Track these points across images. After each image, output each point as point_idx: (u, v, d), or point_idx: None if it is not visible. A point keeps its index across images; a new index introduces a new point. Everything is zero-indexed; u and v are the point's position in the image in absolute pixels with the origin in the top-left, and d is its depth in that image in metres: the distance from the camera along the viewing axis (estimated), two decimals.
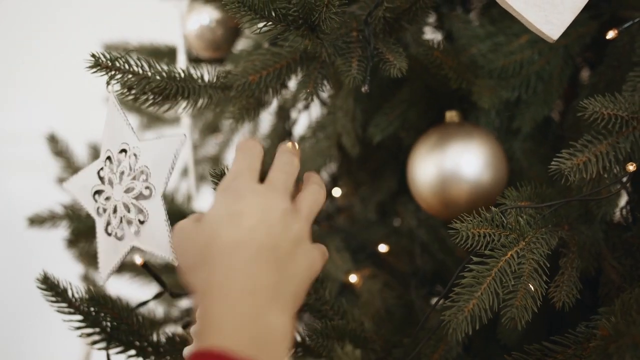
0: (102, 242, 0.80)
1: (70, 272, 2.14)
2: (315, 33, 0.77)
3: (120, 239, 0.78)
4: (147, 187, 0.75)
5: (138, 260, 0.88)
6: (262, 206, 0.63)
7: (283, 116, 1.18)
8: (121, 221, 0.78)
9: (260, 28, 0.75)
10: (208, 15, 1.09)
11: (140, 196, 0.76)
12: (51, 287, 0.82)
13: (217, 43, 1.10)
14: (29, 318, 2.36)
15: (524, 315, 0.69)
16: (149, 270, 0.86)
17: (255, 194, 0.64)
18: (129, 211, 0.77)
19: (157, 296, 0.88)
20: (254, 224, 0.61)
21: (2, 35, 2.50)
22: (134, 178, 0.76)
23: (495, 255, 0.71)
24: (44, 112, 2.44)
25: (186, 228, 0.65)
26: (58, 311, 0.82)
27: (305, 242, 0.65)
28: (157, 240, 0.76)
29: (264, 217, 0.62)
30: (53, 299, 0.82)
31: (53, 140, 1.14)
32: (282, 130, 1.19)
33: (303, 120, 1.18)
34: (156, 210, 0.76)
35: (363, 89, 0.79)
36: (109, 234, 0.79)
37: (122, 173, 0.77)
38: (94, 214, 0.81)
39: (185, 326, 0.87)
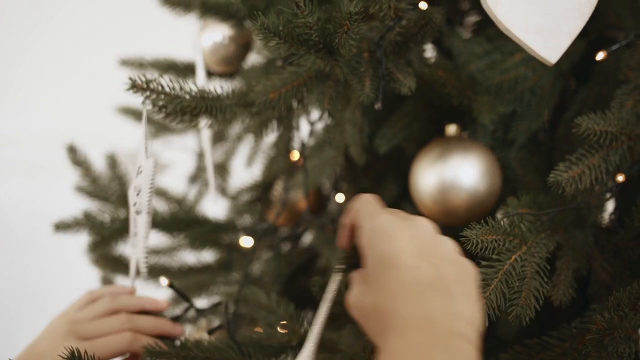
0: (132, 244, 0.88)
1: (64, 271, 2.19)
2: (333, 56, 0.85)
3: (133, 247, 0.86)
4: (140, 203, 0.83)
5: (164, 282, 0.95)
6: (409, 236, 0.63)
7: (289, 126, 1.24)
8: (132, 232, 0.85)
9: (285, 51, 0.82)
10: (221, 33, 1.15)
11: (137, 211, 0.83)
12: None
13: (229, 58, 1.17)
14: (25, 318, 2.40)
15: (528, 313, 0.77)
16: (176, 289, 0.93)
17: (395, 222, 0.64)
18: (134, 223, 0.84)
19: (185, 311, 0.95)
20: (410, 261, 0.61)
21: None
22: (137, 194, 0.83)
23: (502, 259, 0.78)
24: (37, 116, 2.47)
25: (355, 294, 0.65)
26: None
27: (458, 254, 0.65)
28: (138, 254, 0.84)
29: (418, 248, 0.63)
30: None
31: (72, 150, 1.20)
32: (287, 140, 1.26)
33: (305, 130, 1.25)
34: (142, 227, 0.83)
35: (376, 106, 0.87)
36: (132, 240, 0.87)
37: (136, 187, 0.84)
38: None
39: (211, 332, 0.94)
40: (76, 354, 0.76)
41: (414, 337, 0.57)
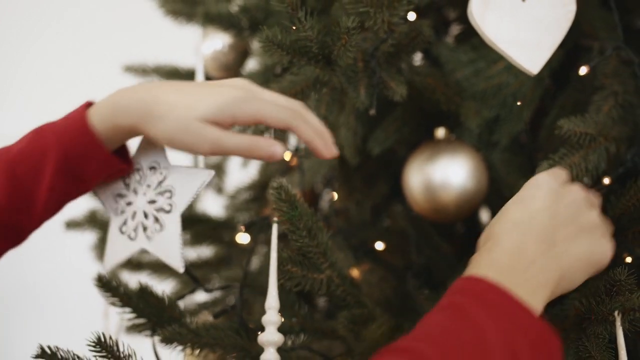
0: (113, 237, 0.93)
1: (63, 269, 2.23)
2: (330, 66, 0.91)
3: (132, 239, 0.91)
4: (169, 204, 0.89)
5: None
6: (555, 193, 0.74)
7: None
8: (137, 225, 0.91)
9: (287, 62, 0.89)
10: (221, 41, 1.22)
11: (160, 210, 0.89)
12: (105, 285, 0.95)
13: (228, 65, 1.23)
14: (20, 315, 2.43)
15: None
16: (186, 271, 0.99)
17: (552, 184, 0.75)
18: (147, 219, 0.90)
19: (192, 291, 1.02)
20: (540, 207, 0.72)
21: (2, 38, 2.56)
22: (159, 193, 0.89)
23: None
24: (38, 116, 2.51)
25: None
26: (112, 304, 0.94)
27: (598, 232, 0.75)
28: (168, 250, 0.89)
29: (553, 202, 0.73)
30: (108, 294, 0.94)
31: None
32: (283, 141, 1.32)
33: None
34: (173, 225, 0.88)
35: (370, 112, 0.94)
36: (122, 233, 0.92)
37: (149, 186, 0.90)
38: (110, 213, 0.94)
39: (217, 316, 1.00)
40: (102, 339, 0.82)
41: (502, 258, 0.68)
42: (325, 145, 0.82)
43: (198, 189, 0.88)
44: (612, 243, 0.77)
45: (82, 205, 1.29)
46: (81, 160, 0.83)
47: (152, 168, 0.91)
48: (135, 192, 0.91)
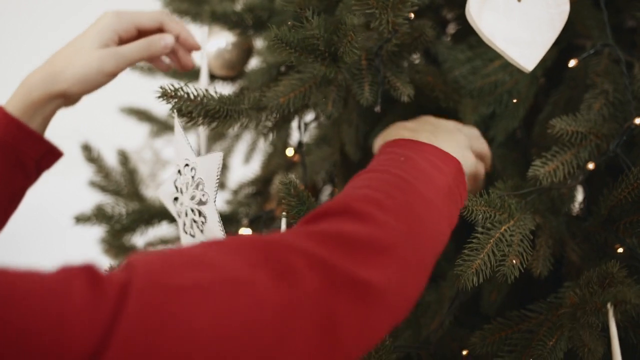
0: (183, 239, 0.97)
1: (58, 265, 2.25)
2: (336, 63, 0.95)
3: (193, 236, 0.94)
4: (203, 195, 0.92)
5: None
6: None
7: (286, 125, 1.34)
8: (191, 223, 0.94)
9: (296, 60, 0.93)
10: (225, 39, 1.25)
11: (200, 202, 0.92)
12: None
13: (232, 63, 1.26)
14: None
15: (513, 273, 0.87)
16: None
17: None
18: (194, 214, 0.93)
19: None
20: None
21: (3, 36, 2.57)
22: (195, 187, 0.92)
23: (494, 228, 0.89)
24: None
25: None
26: None
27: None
28: (215, 237, 0.92)
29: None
30: None
31: (86, 148, 1.29)
32: (285, 138, 1.36)
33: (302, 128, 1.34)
34: (212, 214, 0.91)
35: (376, 109, 0.97)
36: (186, 233, 0.95)
37: (187, 183, 0.93)
38: (176, 217, 0.97)
39: None
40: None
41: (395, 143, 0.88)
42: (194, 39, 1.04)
43: (217, 173, 0.91)
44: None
45: (89, 200, 1.32)
46: (12, 145, 0.91)
47: (186, 165, 0.93)
48: (181, 192, 0.94)
